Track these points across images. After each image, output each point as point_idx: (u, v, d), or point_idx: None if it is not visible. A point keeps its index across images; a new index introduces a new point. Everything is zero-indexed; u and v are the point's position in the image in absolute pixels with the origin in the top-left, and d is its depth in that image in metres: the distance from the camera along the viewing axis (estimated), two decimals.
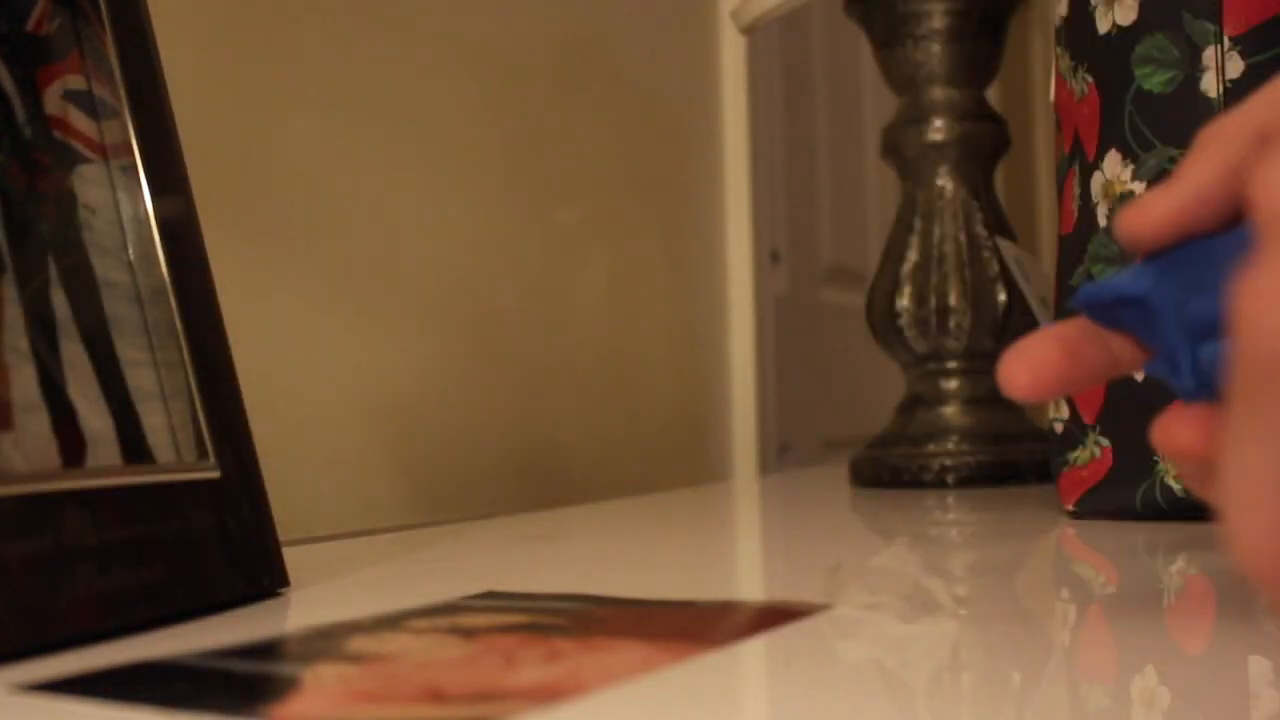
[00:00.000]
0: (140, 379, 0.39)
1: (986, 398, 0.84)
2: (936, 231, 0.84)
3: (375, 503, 0.78)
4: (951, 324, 0.83)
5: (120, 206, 0.40)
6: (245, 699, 0.27)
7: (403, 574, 0.48)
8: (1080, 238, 0.59)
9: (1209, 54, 0.53)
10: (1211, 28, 0.53)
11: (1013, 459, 0.81)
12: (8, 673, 0.30)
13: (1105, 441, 0.58)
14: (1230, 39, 0.53)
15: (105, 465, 0.36)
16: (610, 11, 1.08)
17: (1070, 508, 0.60)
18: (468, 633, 0.34)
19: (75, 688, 0.28)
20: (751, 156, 1.28)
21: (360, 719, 0.25)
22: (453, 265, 0.87)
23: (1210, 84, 0.54)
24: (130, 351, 0.39)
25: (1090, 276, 0.59)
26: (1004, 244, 0.84)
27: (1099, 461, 0.58)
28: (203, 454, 0.40)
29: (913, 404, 0.85)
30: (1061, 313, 0.62)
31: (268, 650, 0.32)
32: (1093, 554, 0.50)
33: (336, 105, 0.78)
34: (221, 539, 0.39)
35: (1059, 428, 0.61)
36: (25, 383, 0.34)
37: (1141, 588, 0.41)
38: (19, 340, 0.34)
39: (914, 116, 0.85)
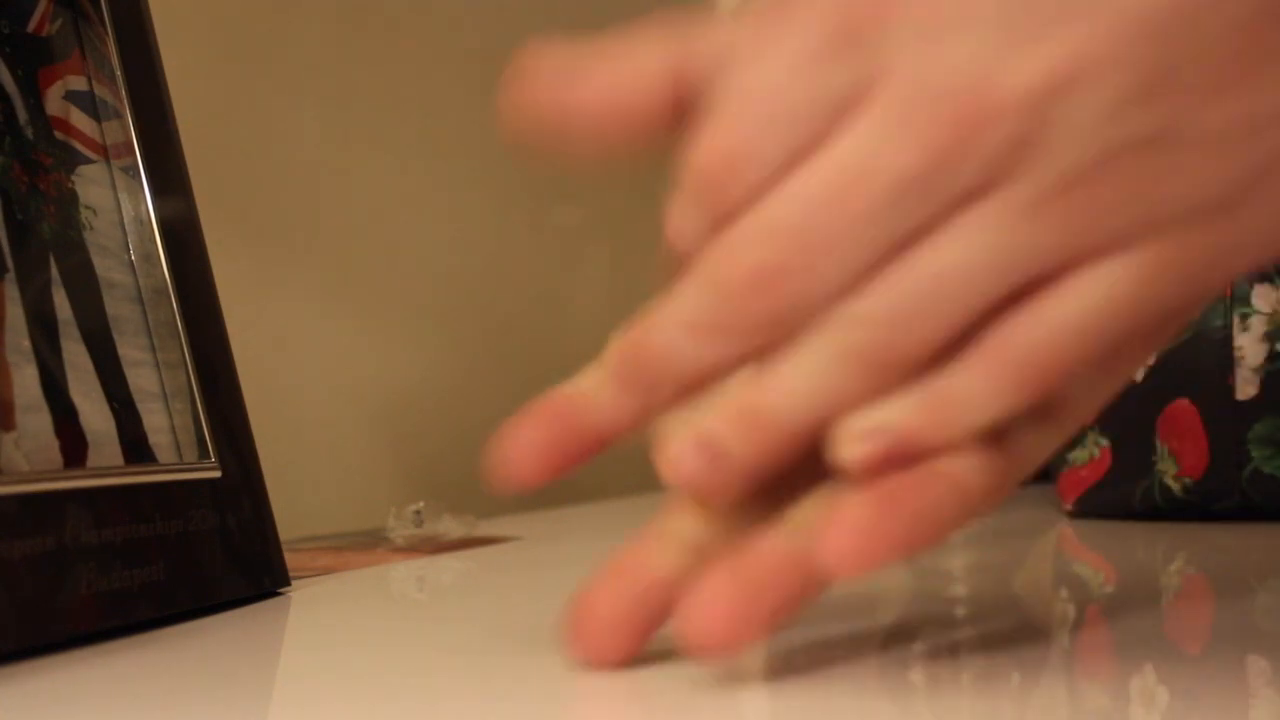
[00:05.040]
0: (141, 379, 0.39)
1: None
2: None
3: (375, 503, 0.78)
4: None
5: (121, 207, 0.40)
6: None
7: (404, 573, 0.48)
8: None
9: None
10: None
11: None
12: (8, 672, 0.30)
13: (1104, 441, 0.58)
14: None
15: (106, 465, 0.36)
16: (610, 12, 1.08)
17: (1069, 507, 0.60)
18: None
19: None
20: None
21: None
22: (453, 265, 0.87)
23: None
24: (131, 351, 0.39)
25: None
26: None
27: (1098, 461, 0.58)
28: (204, 454, 0.40)
29: None
30: None
31: None
32: (1092, 554, 0.50)
33: (337, 105, 0.78)
34: (222, 539, 0.39)
35: None
36: (27, 383, 0.34)
37: (1140, 587, 0.41)
38: (20, 340, 0.34)
39: None
